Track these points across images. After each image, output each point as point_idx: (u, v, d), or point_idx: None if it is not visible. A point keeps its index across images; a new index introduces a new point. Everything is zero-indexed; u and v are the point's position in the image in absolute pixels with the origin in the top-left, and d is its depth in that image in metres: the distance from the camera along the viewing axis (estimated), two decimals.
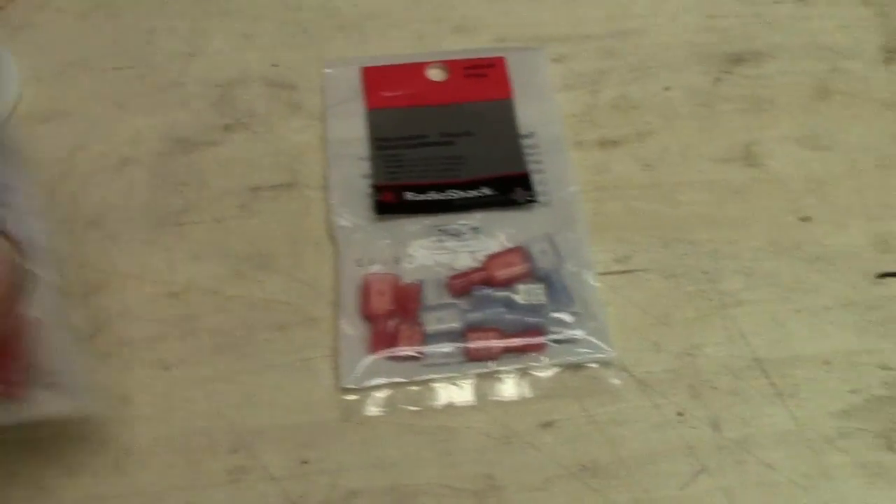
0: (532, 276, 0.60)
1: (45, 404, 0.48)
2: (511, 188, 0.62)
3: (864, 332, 0.59)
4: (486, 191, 0.62)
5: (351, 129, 0.65)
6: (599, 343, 0.58)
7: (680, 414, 0.56)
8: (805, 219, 0.62)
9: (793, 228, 0.62)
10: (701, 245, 0.61)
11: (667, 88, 0.67)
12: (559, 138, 0.66)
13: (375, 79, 0.67)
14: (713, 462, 0.55)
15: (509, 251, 0.60)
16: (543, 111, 0.67)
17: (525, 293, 0.59)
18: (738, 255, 0.61)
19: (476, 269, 0.60)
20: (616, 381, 0.57)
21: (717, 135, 0.65)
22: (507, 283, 0.60)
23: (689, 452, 0.55)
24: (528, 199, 0.62)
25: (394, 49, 0.68)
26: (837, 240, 0.62)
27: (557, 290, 0.59)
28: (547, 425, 0.55)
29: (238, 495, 0.54)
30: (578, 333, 0.58)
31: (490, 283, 0.60)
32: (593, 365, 0.58)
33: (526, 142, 0.65)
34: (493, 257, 0.60)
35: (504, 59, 0.68)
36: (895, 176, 0.65)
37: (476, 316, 0.58)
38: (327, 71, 0.67)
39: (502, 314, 0.58)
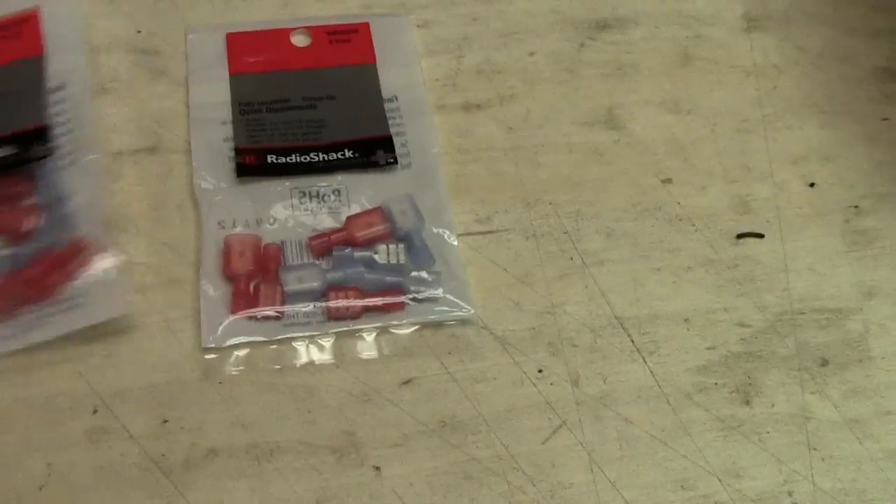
0: (392, 236, 0.60)
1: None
2: (373, 150, 0.62)
3: (723, 290, 0.59)
4: (349, 153, 0.61)
5: (214, 93, 0.64)
6: (459, 301, 0.58)
7: (540, 371, 0.56)
8: (666, 181, 0.63)
9: (654, 190, 0.62)
10: (562, 206, 0.61)
11: (531, 54, 0.67)
12: (422, 102, 0.65)
13: (239, 45, 0.66)
14: (573, 417, 0.55)
15: (369, 212, 0.60)
16: (407, 76, 0.67)
17: (385, 253, 0.59)
18: (599, 216, 0.61)
19: (336, 230, 0.60)
20: (476, 340, 0.56)
21: (580, 99, 0.66)
22: (368, 244, 0.59)
23: (549, 408, 0.55)
24: (390, 160, 0.62)
25: (259, 16, 0.67)
26: (697, 201, 0.62)
27: (418, 250, 0.59)
28: (406, 383, 0.55)
29: (98, 455, 0.53)
30: (438, 292, 0.58)
31: (350, 243, 0.59)
32: (453, 323, 0.58)
33: (389, 105, 0.64)
34: (352, 218, 0.60)
35: (368, 24, 0.68)
36: (755, 140, 0.65)
37: (336, 275, 0.58)
38: (191, 37, 0.66)
39: (362, 273, 0.57)
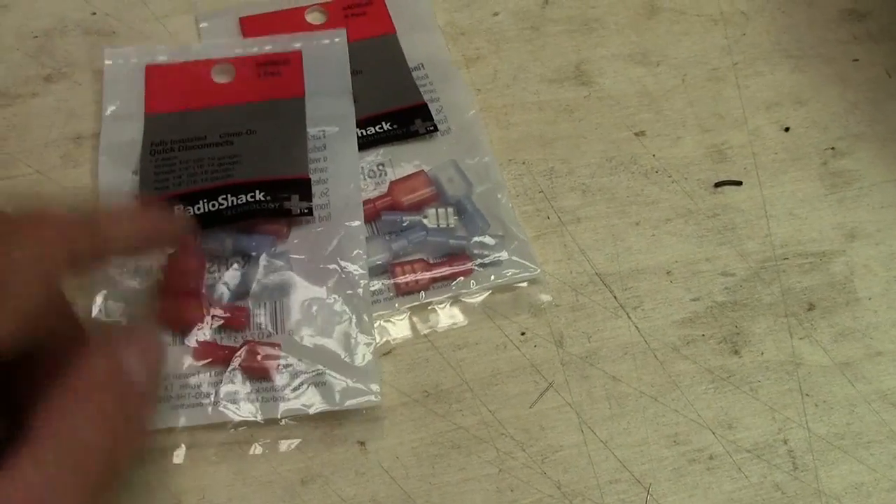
0: (440, 201, 0.59)
1: None
2: (412, 120, 0.61)
3: (704, 240, 0.58)
4: (387, 125, 0.61)
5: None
6: (524, 261, 0.57)
7: (523, 333, 0.54)
8: (639, 133, 0.61)
9: (627, 143, 0.61)
10: (536, 165, 0.60)
11: (495, 14, 0.66)
12: (446, 65, 0.64)
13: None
14: (559, 378, 0.54)
15: (411, 176, 0.59)
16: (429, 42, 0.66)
17: (434, 217, 0.58)
18: (573, 173, 0.60)
19: (381, 196, 0.59)
20: (452, 307, 0.55)
21: (548, 56, 0.64)
22: (414, 208, 0.58)
23: (535, 371, 0.54)
24: (430, 128, 0.61)
25: None
26: (673, 152, 0.61)
27: (471, 216, 0.58)
28: (385, 355, 0.53)
29: None
30: (503, 255, 0.58)
31: (396, 207, 0.58)
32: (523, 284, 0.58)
33: (416, 73, 0.63)
34: (396, 183, 0.59)
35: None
36: (726, 88, 0.64)
37: (400, 244, 0.57)
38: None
39: (424, 237, 0.58)
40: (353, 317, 0.54)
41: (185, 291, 0.53)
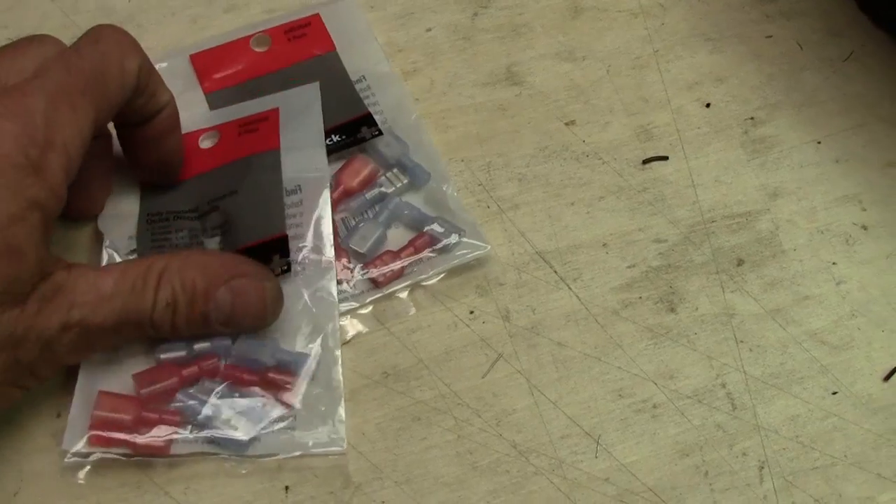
0: (383, 168, 0.64)
1: None
2: (358, 129, 0.65)
3: (636, 212, 0.63)
4: (336, 138, 0.64)
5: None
6: (475, 241, 0.62)
7: (472, 312, 0.59)
8: (570, 123, 0.66)
9: (559, 133, 0.66)
10: (474, 161, 0.65)
11: (429, 30, 0.71)
12: (389, 76, 0.68)
13: None
14: (508, 349, 0.58)
15: (349, 162, 0.64)
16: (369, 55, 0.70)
17: (389, 182, 0.63)
18: (509, 165, 0.64)
19: (333, 189, 0.63)
20: (403, 295, 0.59)
21: (480, 62, 0.69)
22: (365, 186, 0.63)
23: (485, 345, 0.58)
24: (375, 133, 0.65)
25: (171, 36, 0.70)
26: (602, 136, 0.66)
27: (412, 171, 0.63)
28: (346, 344, 0.58)
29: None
30: (453, 239, 0.61)
31: (350, 193, 0.63)
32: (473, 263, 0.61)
33: (359, 86, 0.67)
34: (339, 173, 0.64)
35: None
36: (649, 74, 0.69)
37: (385, 216, 0.62)
38: None
39: (402, 210, 0.63)
40: (327, 368, 0.57)
41: None
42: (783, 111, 0.67)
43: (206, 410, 0.55)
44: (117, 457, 0.54)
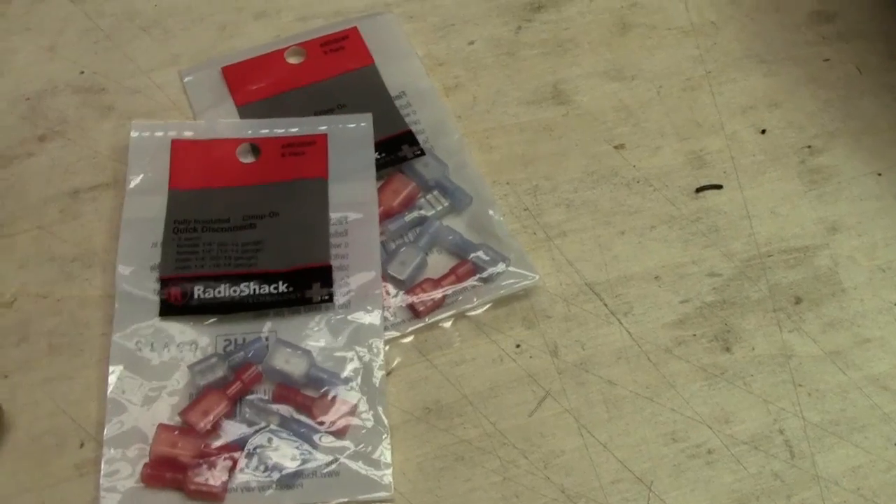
0: (423, 189, 0.62)
1: None
2: (399, 147, 0.63)
3: (689, 244, 0.60)
4: (377, 155, 0.62)
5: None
6: (522, 271, 0.59)
7: (518, 346, 0.56)
8: (619, 146, 0.63)
9: (608, 157, 0.63)
10: (519, 184, 0.62)
11: (471, 43, 0.68)
12: (431, 92, 0.66)
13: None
14: (556, 386, 0.55)
15: (389, 181, 0.62)
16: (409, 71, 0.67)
17: (429, 205, 0.61)
18: (556, 189, 0.62)
19: None
20: (446, 325, 0.56)
21: (524, 79, 0.66)
22: (405, 207, 0.61)
23: (532, 381, 0.55)
24: (417, 153, 0.62)
25: (198, 43, 0.67)
26: (652, 162, 0.63)
27: (453, 192, 0.61)
28: (387, 374, 0.55)
29: (89, 486, 0.53)
30: (500, 268, 0.59)
31: (390, 214, 0.60)
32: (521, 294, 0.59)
33: (399, 102, 0.64)
34: (378, 193, 0.61)
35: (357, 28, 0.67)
36: (701, 96, 0.66)
37: (425, 241, 0.59)
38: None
39: (446, 235, 0.60)
40: (369, 406, 0.55)
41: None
42: (841, 140, 0.64)
43: (261, 441, 0.54)
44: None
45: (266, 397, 0.55)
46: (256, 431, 0.53)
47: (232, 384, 0.54)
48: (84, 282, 0.58)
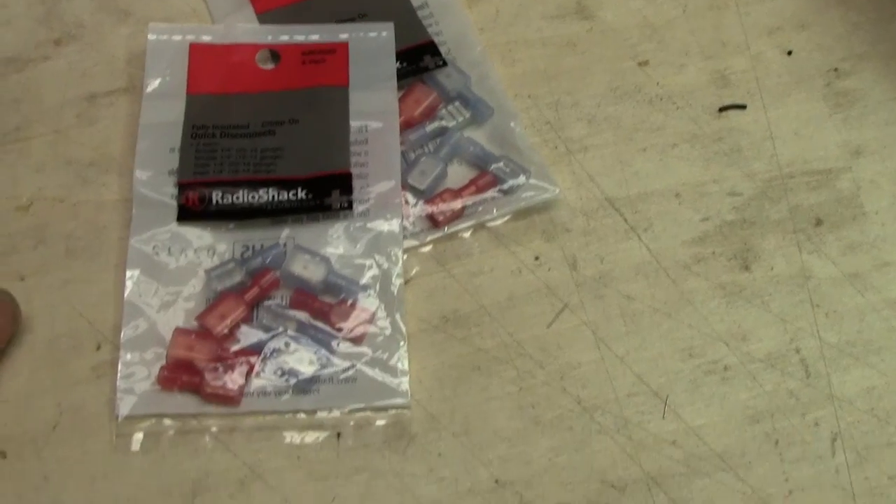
0: (445, 100, 0.61)
1: None
2: (420, 57, 0.62)
3: (711, 162, 0.59)
4: (398, 64, 0.61)
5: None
6: (544, 184, 0.59)
7: (537, 258, 0.56)
8: (643, 63, 0.63)
9: (631, 73, 0.62)
10: (542, 98, 0.61)
11: None
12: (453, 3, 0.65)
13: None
14: (574, 299, 0.55)
15: (410, 90, 0.61)
16: None
17: (449, 116, 0.60)
18: (579, 104, 0.61)
19: None
20: (465, 236, 0.56)
21: None
22: (426, 117, 0.60)
23: (550, 293, 0.55)
24: (439, 63, 0.61)
25: None
26: (676, 80, 0.62)
27: (474, 103, 0.61)
28: (405, 283, 0.54)
29: (105, 388, 0.54)
30: (521, 180, 0.58)
31: (412, 124, 0.60)
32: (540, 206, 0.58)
33: (421, 12, 0.64)
34: (399, 103, 0.60)
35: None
36: (727, 15, 0.65)
37: (445, 151, 0.59)
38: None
39: (468, 145, 0.60)
40: (386, 313, 0.55)
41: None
42: (869, 63, 0.64)
43: (278, 345, 0.54)
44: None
45: (283, 303, 0.54)
46: (273, 337, 0.52)
47: (249, 289, 0.54)
48: (101, 186, 0.57)
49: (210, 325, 0.53)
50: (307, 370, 0.53)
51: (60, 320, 0.55)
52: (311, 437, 0.52)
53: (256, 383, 0.52)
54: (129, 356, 0.53)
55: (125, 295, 0.54)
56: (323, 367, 0.53)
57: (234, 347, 0.53)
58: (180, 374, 0.52)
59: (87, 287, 0.56)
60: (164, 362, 0.52)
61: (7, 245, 0.57)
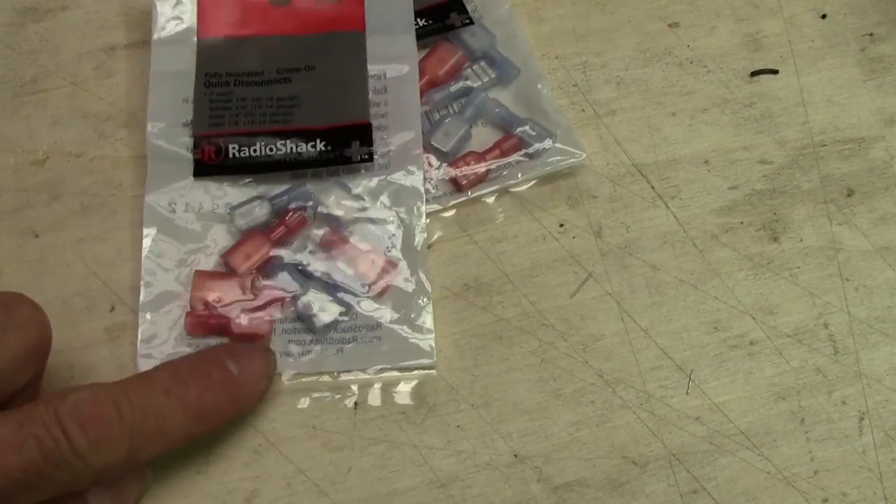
0: (470, 59, 0.59)
1: None
2: (447, 15, 0.60)
3: (741, 129, 0.58)
4: (422, 22, 0.59)
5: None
6: (569, 148, 0.57)
7: (561, 225, 0.55)
8: (673, 25, 0.61)
9: (661, 35, 0.60)
10: (569, 59, 0.59)
11: None
12: None
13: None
14: (599, 268, 0.54)
15: (435, 48, 0.59)
16: None
17: (475, 75, 0.59)
18: (607, 66, 0.59)
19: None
20: (489, 201, 0.55)
21: None
22: (450, 77, 0.59)
23: (574, 261, 0.54)
24: (466, 21, 0.59)
25: None
26: (707, 42, 0.60)
27: (500, 64, 0.59)
28: (428, 248, 0.53)
29: (119, 351, 0.53)
30: (546, 143, 0.57)
31: (436, 83, 0.58)
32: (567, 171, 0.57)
33: None
34: (423, 61, 0.59)
35: None
36: None
37: (470, 112, 0.57)
38: None
39: (492, 107, 0.58)
40: (410, 271, 0.54)
41: None
42: None
43: (304, 294, 0.53)
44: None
45: (311, 247, 0.54)
46: (299, 283, 0.53)
47: (276, 228, 0.54)
48: (117, 141, 0.56)
49: (235, 265, 0.53)
50: (330, 318, 0.52)
51: (74, 279, 0.54)
52: (330, 406, 0.52)
53: (279, 343, 0.52)
54: (148, 316, 0.52)
55: (143, 255, 0.53)
56: (347, 327, 0.53)
57: (260, 285, 0.52)
58: (207, 318, 0.51)
59: (102, 245, 0.55)
60: (185, 315, 0.52)
61: (22, 200, 0.56)
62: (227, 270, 0.53)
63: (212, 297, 0.52)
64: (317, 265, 0.53)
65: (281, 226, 0.53)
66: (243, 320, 0.51)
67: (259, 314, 0.52)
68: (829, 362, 0.52)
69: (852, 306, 0.53)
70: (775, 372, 0.52)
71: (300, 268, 0.53)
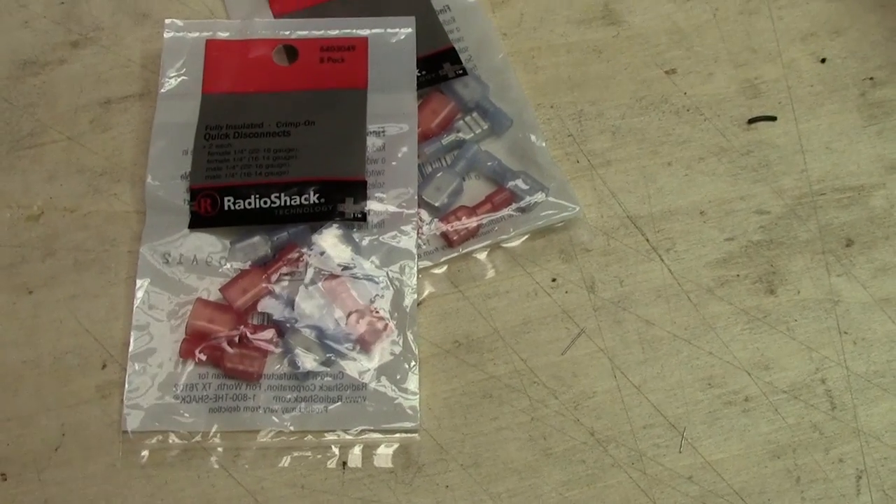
0: (462, 111, 0.59)
1: None
2: (440, 65, 0.60)
3: (738, 178, 0.57)
4: (417, 71, 0.59)
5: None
6: (563, 202, 0.57)
7: (554, 280, 0.54)
8: (670, 71, 0.60)
9: (658, 82, 0.60)
10: (564, 108, 0.59)
11: None
12: (475, 9, 0.63)
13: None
14: (591, 324, 0.53)
15: (427, 100, 0.59)
16: None
17: (467, 127, 0.58)
18: (603, 115, 0.59)
19: None
20: (481, 256, 0.54)
21: None
22: (443, 129, 0.58)
23: (566, 317, 0.53)
24: (458, 72, 0.59)
25: None
26: (705, 89, 0.60)
27: (493, 115, 0.59)
28: (418, 305, 0.53)
29: (109, 409, 0.53)
30: (539, 197, 0.56)
31: (428, 136, 0.58)
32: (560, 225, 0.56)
33: (442, 17, 0.61)
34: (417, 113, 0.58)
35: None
36: (759, 21, 0.62)
37: (461, 165, 0.57)
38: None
39: (485, 160, 0.58)
40: (398, 331, 0.53)
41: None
42: None
43: (293, 336, 0.53)
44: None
45: (305, 289, 0.54)
46: (291, 330, 0.53)
47: (273, 264, 0.54)
48: (112, 196, 0.56)
49: (231, 299, 0.53)
50: (313, 365, 0.53)
51: (66, 336, 0.54)
52: (315, 464, 0.51)
53: (264, 399, 0.52)
54: (136, 367, 0.52)
55: (134, 305, 0.53)
56: (331, 387, 0.53)
57: (255, 322, 0.53)
58: (201, 346, 0.52)
59: (95, 302, 0.55)
60: (182, 341, 0.53)
61: (17, 256, 0.56)
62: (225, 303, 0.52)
63: (207, 327, 0.52)
64: (309, 308, 0.53)
65: (278, 262, 0.53)
66: (236, 358, 0.52)
67: (253, 353, 0.52)
68: (826, 419, 0.51)
69: (850, 360, 0.53)
70: (771, 429, 0.51)
71: (290, 313, 0.53)
